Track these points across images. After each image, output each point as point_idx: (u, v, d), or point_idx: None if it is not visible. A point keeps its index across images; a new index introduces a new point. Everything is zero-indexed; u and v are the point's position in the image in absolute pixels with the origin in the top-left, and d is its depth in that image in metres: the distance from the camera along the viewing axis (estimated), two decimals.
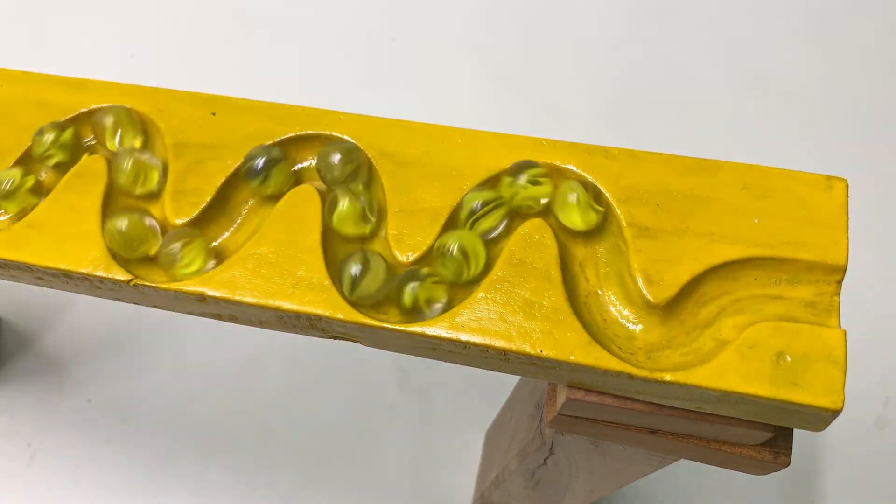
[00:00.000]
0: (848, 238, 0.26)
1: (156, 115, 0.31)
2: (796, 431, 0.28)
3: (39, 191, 0.31)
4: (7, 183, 0.30)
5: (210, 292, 0.27)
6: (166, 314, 0.55)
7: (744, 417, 0.25)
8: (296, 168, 0.30)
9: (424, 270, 0.27)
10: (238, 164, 0.30)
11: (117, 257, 0.29)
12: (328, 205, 0.29)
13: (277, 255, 0.28)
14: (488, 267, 0.27)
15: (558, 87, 0.72)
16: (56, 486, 0.53)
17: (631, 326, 0.26)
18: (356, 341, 0.28)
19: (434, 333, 0.26)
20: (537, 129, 0.68)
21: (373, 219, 0.28)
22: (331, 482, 0.53)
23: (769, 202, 0.27)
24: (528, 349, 0.25)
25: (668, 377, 0.24)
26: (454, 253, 0.26)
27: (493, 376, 0.55)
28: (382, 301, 0.27)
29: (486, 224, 0.27)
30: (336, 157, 0.29)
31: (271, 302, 0.27)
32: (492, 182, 0.28)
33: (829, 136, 0.69)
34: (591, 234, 0.28)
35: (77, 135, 0.31)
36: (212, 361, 0.57)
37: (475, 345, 0.26)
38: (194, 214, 0.29)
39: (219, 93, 0.32)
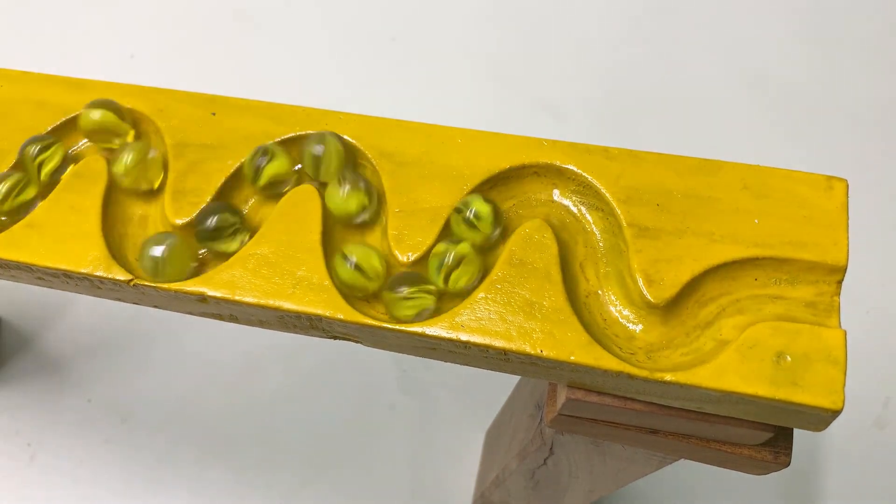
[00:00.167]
0: (848, 238, 0.26)
1: (156, 115, 0.31)
2: (796, 431, 0.28)
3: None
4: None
5: (210, 292, 0.27)
6: (166, 314, 0.55)
7: (744, 417, 0.25)
8: (296, 168, 0.30)
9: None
10: (237, 164, 0.30)
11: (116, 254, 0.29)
12: (326, 195, 0.29)
13: (277, 255, 0.28)
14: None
15: (558, 87, 0.72)
16: (56, 486, 0.53)
17: (631, 326, 0.26)
18: (356, 341, 0.28)
19: (434, 333, 0.26)
20: (537, 129, 0.68)
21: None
22: (331, 482, 0.53)
23: (769, 202, 0.27)
24: (528, 349, 0.25)
25: (668, 377, 0.24)
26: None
27: (493, 376, 0.55)
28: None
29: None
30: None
31: (271, 302, 0.27)
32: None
33: (829, 136, 0.69)
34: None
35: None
36: (212, 361, 0.57)
37: (475, 345, 0.26)
38: (194, 214, 0.29)
39: (219, 93, 0.32)
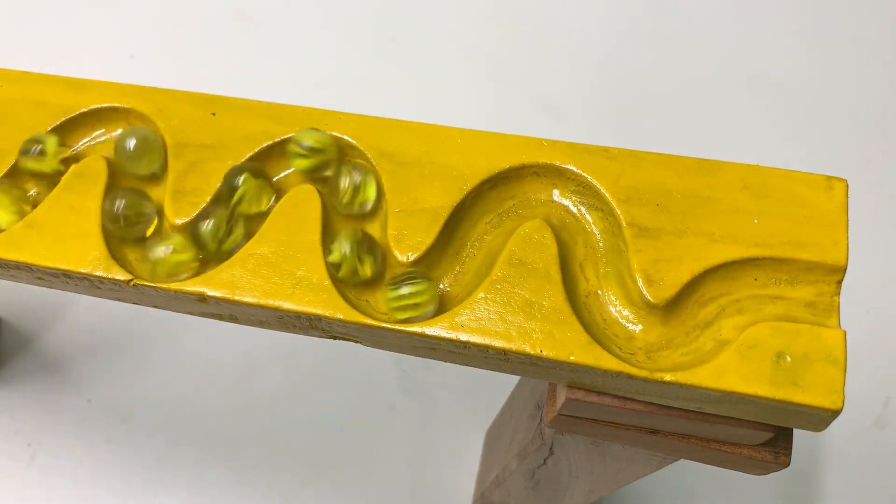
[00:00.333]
0: (848, 238, 0.26)
1: (156, 115, 0.31)
2: (796, 431, 0.28)
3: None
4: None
5: (210, 292, 0.27)
6: (166, 314, 0.55)
7: (744, 417, 0.25)
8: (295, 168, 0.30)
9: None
10: (237, 164, 0.30)
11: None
12: (328, 190, 0.29)
13: (277, 255, 0.28)
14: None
15: (558, 87, 0.72)
16: (56, 486, 0.53)
17: (631, 326, 0.26)
18: (356, 341, 0.28)
19: (434, 333, 0.26)
20: (537, 129, 0.69)
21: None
22: (331, 482, 0.53)
23: (769, 202, 0.27)
24: (527, 349, 0.25)
25: (667, 377, 0.24)
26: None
27: (493, 376, 0.55)
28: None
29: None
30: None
31: (271, 302, 0.27)
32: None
33: (829, 136, 0.69)
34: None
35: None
36: (212, 361, 0.57)
37: (475, 345, 0.26)
38: (194, 214, 0.29)
39: (219, 93, 0.32)
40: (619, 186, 0.27)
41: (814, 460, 0.54)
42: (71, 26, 0.77)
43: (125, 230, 0.29)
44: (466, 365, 0.27)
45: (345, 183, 0.28)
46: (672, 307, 0.26)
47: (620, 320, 0.27)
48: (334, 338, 0.28)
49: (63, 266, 0.28)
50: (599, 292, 0.27)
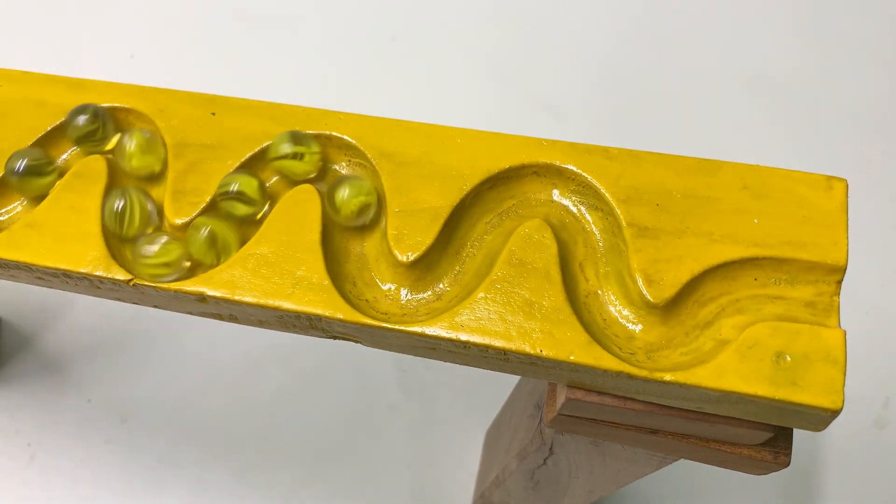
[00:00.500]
0: (848, 238, 0.26)
1: (156, 115, 0.31)
2: (796, 431, 0.28)
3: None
4: None
5: (210, 292, 0.27)
6: (166, 314, 0.55)
7: (744, 417, 0.25)
8: None
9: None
10: (237, 164, 0.30)
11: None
12: (328, 194, 0.29)
13: (277, 255, 0.28)
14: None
15: (558, 87, 0.72)
16: (56, 486, 0.53)
17: (631, 326, 0.26)
18: (356, 341, 0.28)
19: (434, 333, 0.26)
20: (537, 129, 0.69)
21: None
22: (331, 482, 0.53)
23: (769, 202, 0.27)
24: (527, 349, 0.25)
25: (667, 377, 0.24)
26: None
27: (493, 376, 0.55)
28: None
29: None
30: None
31: (271, 302, 0.27)
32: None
33: (829, 136, 0.69)
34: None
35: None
36: (212, 361, 0.57)
37: (475, 345, 0.26)
38: (194, 214, 0.29)
39: (219, 93, 0.32)
40: (619, 186, 0.27)
41: (814, 460, 0.54)
42: (71, 26, 0.77)
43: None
44: (466, 365, 0.27)
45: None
46: (672, 307, 0.26)
47: (620, 320, 0.27)
48: (334, 338, 0.28)
49: (63, 266, 0.28)
50: (599, 292, 0.27)
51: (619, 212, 0.27)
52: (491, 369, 0.27)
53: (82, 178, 0.30)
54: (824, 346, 0.24)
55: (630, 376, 0.24)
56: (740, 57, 0.74)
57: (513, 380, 0.49)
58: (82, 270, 0.28)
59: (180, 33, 0.76)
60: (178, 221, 0.29)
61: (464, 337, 0.26)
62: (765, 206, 0.27)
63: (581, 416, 0.28)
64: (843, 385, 0.23)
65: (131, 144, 0.30)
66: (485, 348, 0.26)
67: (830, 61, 0.74)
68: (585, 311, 0.27)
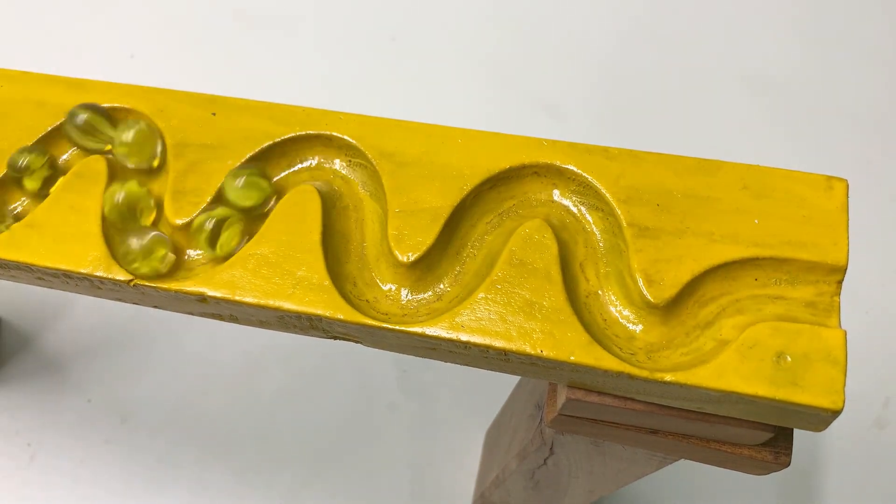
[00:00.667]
0: (848, 238, 0.26)
1: (156, 115, 0.31)
2: (796, 431, 0.28)
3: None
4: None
5: (210, 292, 0.27)
6: (166, 314, 0.55)
7: (744, 417, 0.25)
8: (296, 168, 0.31)
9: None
10: (238, 164, 0.30)
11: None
12: (325, 201, 0.29)
13: (277, 255, 0.28)
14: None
15: (558, 87, 0.72)
16: (56, 486, 0.53)
17: (631, 326, 0.26)
18: (356, 341, 0.28)
19: (434, 333, 0.26)
20: (537, 129, 0.69)
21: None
22: (331, 482, 0.53)
23: (769, 202, 0.27)
24: (528, 349, 0.25)
25: (668, 377, 0.24)
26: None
27: (493, 376, 0.55)
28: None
29: None
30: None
31: (272, 302, 0.27)
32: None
33: (829, 136, 0.69)
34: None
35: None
36: (212, 361, 0.57)
37: (475, 345, 0.26)
38: (194, 214, 0.29)
39: (219, 93, 0.32)
40: (619, 186, 0.27)
41: (814, 460, 0.54)
42: (71, 26, 0.77)
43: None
44: (466, 365, 0.27)
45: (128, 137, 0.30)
46: (672, 307, 0.26)
47: (621, 320, 0.27)
48: (334, 338, 0.28)
49: (63, 266, 0.28)
50: (600, 292, 0.27)
51: (619, 212, 0.27)
52: (491, 369, 0.27)
53: (82, 178, 0.30)
54: (824, 346, 0.24)
55: (630, 376, 0.24)
56: (740, 57, 0.74)
57: (513, 380, 0.49)
58: (83, 271, 0.28)
59: (180, 33, 0.76)
60: (179, 221, 0.29)
61: (464, 337, 0.26)
62: (765, 206, 0.27)
63: (581, 416, 0.28)
64: (844, 385, 0.23)
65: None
66: (485, 349, 0.25)
67: (830, 61, 0.74)
68: (586, 311, 0.27)
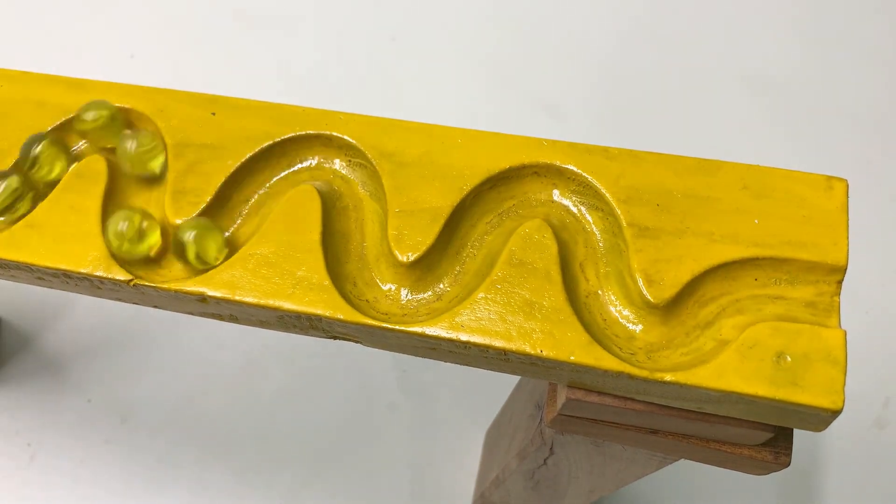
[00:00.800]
0: (848, 238, 0.26)
1: (156, 115, 0.31)
2: (796, 431, 0.28)
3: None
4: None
5: (210, 292, 0.27)
6: (166, 314, 0.55)
7: (744, 417, 0.25)
8: (295, 168, 0.31)
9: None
10: (237, 164, 0.30)
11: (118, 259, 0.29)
12: (324, 201, 0.29)
13: (278, 255, 0.28)
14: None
15: (558, 87, 0.72)
16: (56, 486, 0.53)
17: (631, 326, 0.26)
18: (356, 341, 0.28)
19: (434, 333, 0.26)
20: (537, 129, 0.69)
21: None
22: (331, 482, 0.53)
23: (769, 202, 0.27)
24: (528, 349, 0.25)
25: (668, 377, 0.24)
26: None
27: (493, 376, 0.55)
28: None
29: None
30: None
31: (272, 302, 0.27)
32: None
33: (829, 136, 0.69)
34: None
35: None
36: (212, 361, 0.57)
37: (475, 345, 0.26)
38: (194, 214, 0.29)
39: (219, 93, 0.32)
40: (619, 186, 0.27)
41: (814, 460, 0.54)
42: (71, 26, 0.77)
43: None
44: (466, 365, 0.27)
45: (130, 146, 0.30)
46: (672, 307, 0.26)
47: (621, 320, 0.27)
48: (334, 338, 0.28)
49: (63, 266, 0.28)
50: (600, 292, 0.27)
51: (619, 212, 0.27)
52: (491, 369, 0.27)
53: (82, 178, 0.30)
54: (824, 346, 0.24)
55: (630, 376, 0.24)
56: (740, 57, 0.74)
57: (513, 380, 0.49)
58: (82, 271, 0.28)
59: (180, 33, 0.76)
60: (179, 222, 0.29)
61: (464, 337, 0.26)
62: (765, 206, 0.27)
63: (581, 416, 0.28)
64: (844, 385, 0.23)
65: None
66: (485, 348, 0.25)
67: (830, 61, 0.74)
68: (586, 311, 0.27)
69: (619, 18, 0.77)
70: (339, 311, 0.26)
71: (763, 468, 0.27)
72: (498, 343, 0.25)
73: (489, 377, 0.56)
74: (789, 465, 0.27)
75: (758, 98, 0.72)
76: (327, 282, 0.27)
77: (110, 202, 0.30)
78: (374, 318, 0.27)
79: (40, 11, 0.78)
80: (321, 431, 0.55)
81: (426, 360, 0.45)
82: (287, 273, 0.27)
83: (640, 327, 0.26)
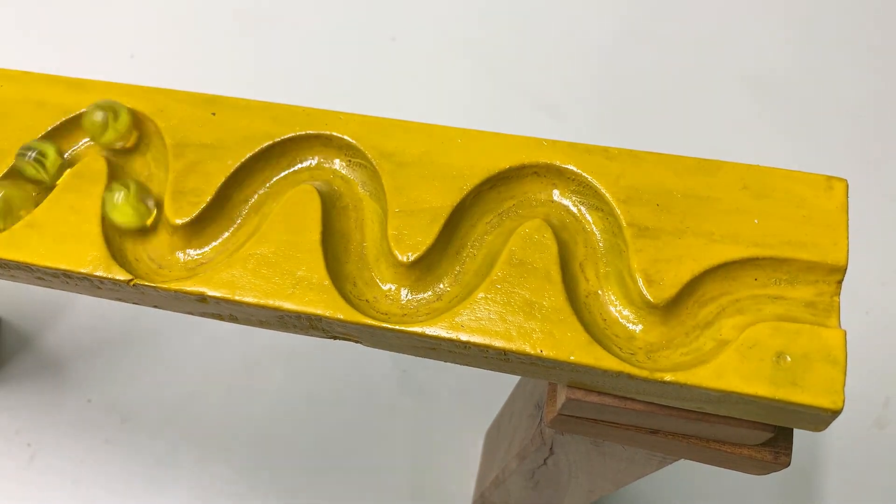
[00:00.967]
0: (848, 238, 0.26)
1: (156, 115, 0.31)
2: (796, 431, 0.28)
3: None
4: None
5: (210, 292, 0.27)
6: (166, 314, 0.55)
7: (744, 417, 0.25)
8: (295, 168, 0.31)
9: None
10: (237, 164, 0.30)
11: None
12: (325, 199, 0.29)
13: (277, 255, 0.28)
14: None
15: (558, 87, 0.72)
16: (56, 486, 0.53)
17: (631, 326, 0.26)
18: (356, 341, 0.28)
19: (434, 333, 0.26)
20: (537, 129, 0.68)
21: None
22: (331, 482, 0.53)
23: (769, 202, 0.27)
24: (528, 349, 0.25)
25: (668, 377, 0.24)
26: None
27: (493, 376, 0.55)
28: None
29: None
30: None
31: (271, 302, 0.27)
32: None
33: (829, 136, 0.69)
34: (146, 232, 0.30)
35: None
36: (212, 361, 0.57)
37: (475, 345, 0.26)
38: (194, 214, 0.29)
39: (219, 93, 0.32)
40: (619, 186, 0.27)
41: (814, 460, 0.54)
42: (71, 26, 0.77)
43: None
44: (466, 365, 0.27)
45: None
46: (672, 307, 0.26)
47: (620, 320, 0.27)
48: (334, 338, 0.28)
49: (63, 266, 0.28)
50: (599, 292, 0.27)
51: (619, 212, 0.27)
52: (491, 369, 0.27)
53: (82, 178, 0.30)
54: (824, 346, 0.24)
55: (630, 376, 0.24)
56: (740, 57, 0.74)
57: (513, 380, 0.49)
58: (82, 270, 0.28)
59: (180, 33, 0.76)
60: (179, 222, 0.29)
61: (464, 337, 0.26)
62: (765, 206, 0.27)
63: (581, 416, 0.28)
64: (844, 385, 0.23)
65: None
66: (485, 348, 0.26)
67: (830, 61, 0.74)
68: (586, 311, 0.27)
69: (619, 18, 0.77)
70: (339, 311, 0.26)
71: (763, 468, 0.27)
72: (498, 343, 0.25)
73: (489, 377, 0.56)
74: (789, 465, 0.27)
75: (758, 98, 0.72)
76: (327, 282, 0.27)
77: None
78: (373, 318, 0.27)
79: (40, 11, 0.78)
80: (321, 431, 0.55)
81: (426, 360, 0.45)
82: (287, 273, 0.27)
83: (639, 327, 0.26)
